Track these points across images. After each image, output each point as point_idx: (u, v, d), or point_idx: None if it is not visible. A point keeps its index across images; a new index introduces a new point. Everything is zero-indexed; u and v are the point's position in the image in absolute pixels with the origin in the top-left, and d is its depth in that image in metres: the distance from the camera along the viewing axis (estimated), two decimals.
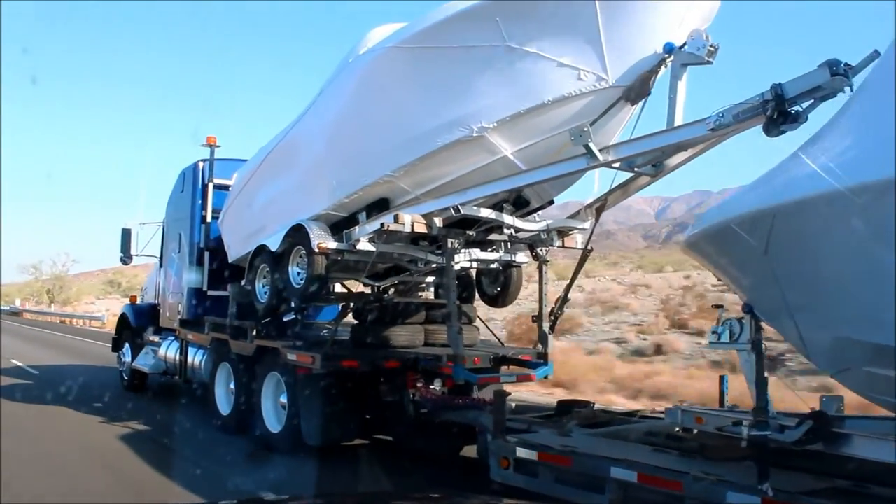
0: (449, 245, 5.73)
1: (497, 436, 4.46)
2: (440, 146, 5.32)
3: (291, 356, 6.21)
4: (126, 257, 10.49)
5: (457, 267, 6.88)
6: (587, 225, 6.28)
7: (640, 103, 5.20)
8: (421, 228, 5.55)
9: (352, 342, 6.70)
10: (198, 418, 7.90)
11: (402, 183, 5.75)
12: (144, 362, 10.03)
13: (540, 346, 6.31)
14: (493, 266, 7.24)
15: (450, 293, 5.73)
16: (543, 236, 6.22)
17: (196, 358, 8.56)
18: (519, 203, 5.92)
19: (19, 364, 13.33)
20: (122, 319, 10.99)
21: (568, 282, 6.39)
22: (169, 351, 9.32)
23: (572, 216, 6.34)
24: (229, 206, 7.89)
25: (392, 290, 7.81)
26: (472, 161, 5.40)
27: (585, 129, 4.79)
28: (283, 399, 6.59)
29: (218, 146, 8.84)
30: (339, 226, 6.30)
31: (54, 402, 9.00)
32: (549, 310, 6.55)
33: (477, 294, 7.69)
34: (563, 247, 6.50)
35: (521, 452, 4.23)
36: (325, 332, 8.36)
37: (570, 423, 5.13)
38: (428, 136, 5.36)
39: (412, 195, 5.83)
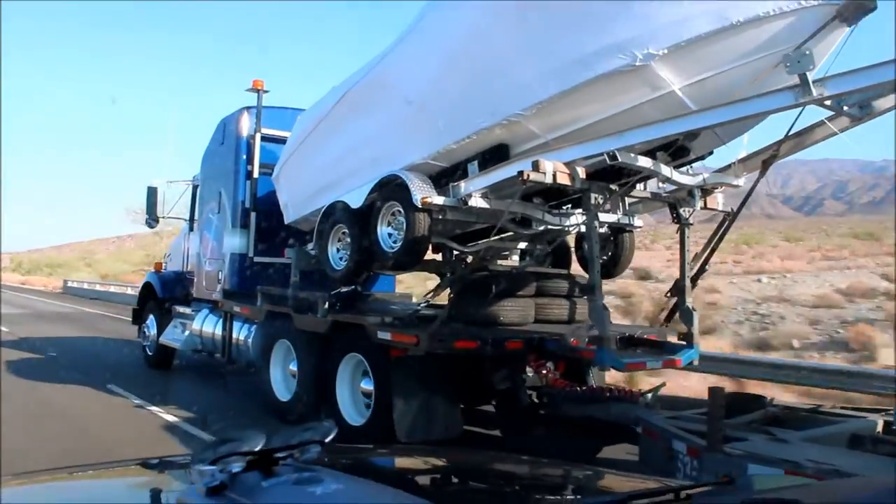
0: (592, 201, 4.64)
1: (715, 447, 3.42)
2: (589, 79, 4.22)
3: (384, 335, 5.13)
4: (152, 219, 9.31)
5: (572, 229, 5.89)
6: (741, 182, 5.21)
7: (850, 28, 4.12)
8: (564, 180, 4.45)
9: (450, 318, 5.61)
10: (248, 404, 6.82)
11: (530, 125, 4.65)
12: (174, 337, 8.92)
13: (682, 326, 5.26)
14: (602, 230, 6.19)
15: (593, 261, 4.67)
16: (698, 193, 5.15)
17: (241, 334, 7.46)
18: (677, 153, 4.82)
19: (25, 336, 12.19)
20: (147, 289, 9.85)
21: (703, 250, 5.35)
22: (206, 325, 8.20)
23: (720, 170, 5.26)
24: (287, 159, 6.73)
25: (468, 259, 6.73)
26: (626, 98, 4.30)
27: (807, 52, 3.72)
28: (367, 386, 5.52)
29: (266, 91, 7.66)
30: (435, 179, 5.21)
31: (73, 379, 7.91)
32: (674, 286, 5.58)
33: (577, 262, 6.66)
34: (704, 207, 5.43)
35: (755, 469, 3.19)
36: (395, 305, 7.29)
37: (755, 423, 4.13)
38: (574, 67, 4.27)
39: (539, 140, 4.73)
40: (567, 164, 4.49)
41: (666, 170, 4.70)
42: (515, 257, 7.18)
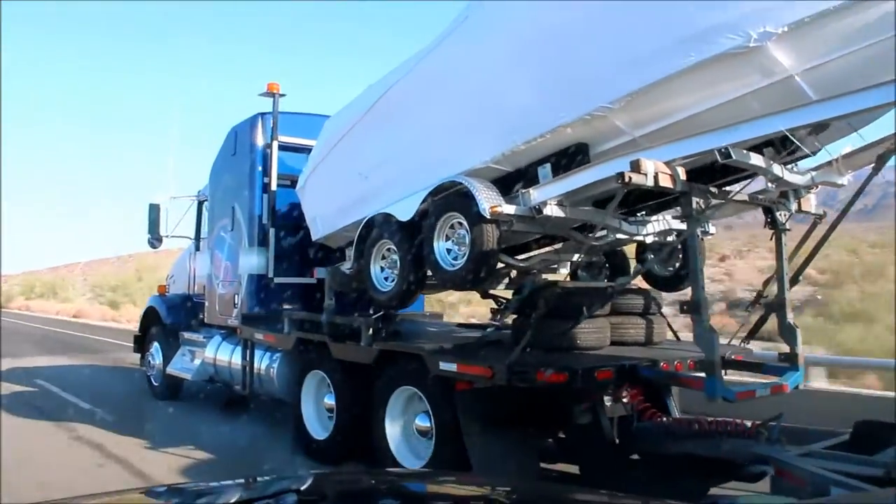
0: (694, 205, 4.01)
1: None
2: (692, 65, 3.60)
3: (447, 366, 4.44)
4: (155, 239, 8.57)
5: (648, 238, 5.27)
6: (845, 181, 4.61)
7: None
8: (666, 182, 3.81)
9: (516, 343, 4.94)
10: (275, 444, 6.09)
11: (617, 120, 4.01)
12: (182, 366, 8.16)
13: (785, 346, 4.64)
14: (669, 238, 5.58)
15: (697, 273, 4.04)
16: (803, 194, 4.54)
17: (263, 363, 6.73)
18: (782, 149, 4.20)
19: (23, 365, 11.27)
20: (150, 314, 9.07)
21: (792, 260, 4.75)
22: (220, 353, 7.45)
23: (818, 168, 4.66)
24: (315, 169, 6.03)
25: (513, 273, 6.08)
26: (732, 87, 3.68)
27: None
28: (423, 423, 4.83)
29: (282, 95, 6.97)
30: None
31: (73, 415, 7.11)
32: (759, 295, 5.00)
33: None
34: (799, 210, 4.83)
35: None
36: (433, 327, 6.63)
37: None
38: (673, 51, 3.64)
39: (625, 137, 4.10)
40: (667, 164, 3.87)
41: (777, 168, 4.08)
42: (563, 270, 6.56)
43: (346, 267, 5.76)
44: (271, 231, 6.84)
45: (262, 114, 7.08)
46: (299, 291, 6.99)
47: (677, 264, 5.71)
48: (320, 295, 6.85)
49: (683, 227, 5.12)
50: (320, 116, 7.44)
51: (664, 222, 5.13)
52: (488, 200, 4.30)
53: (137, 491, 1.90)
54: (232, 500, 1.49)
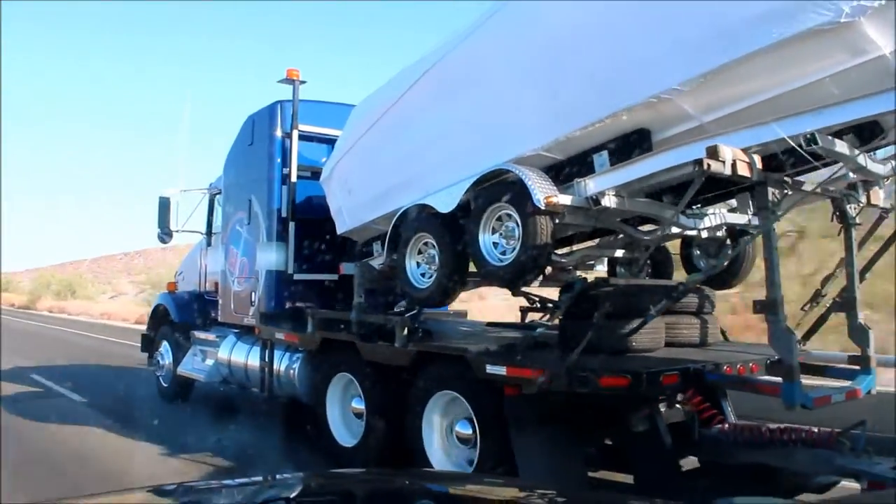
0: (770, 197, 3.68)
1: None
2: (772, 43, 3.27)
3: (496, 369, 4.11)
4: (165, 233, 8.20)
5: (703, 233, 4.95)
6: None
7: None
8: (743, 170, 3.49)
9: (565, 345, 4.61)
10: (297, 449, 5.75)
11: (685, 103, 3.68)
12: (194, 367, 7.81)
13: (858, 348, 4.32)
14: (718, 234, 5.27)
15: (774, 270, 3.70)
16: (882, 184, 4.22)
17: (283, 364, 6.38)
18: (864, 136, 3.88)
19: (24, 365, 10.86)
20: (159, 312, 8.72)
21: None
22: (235, 354, 7.10)
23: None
24: (342, 158, 5.69)
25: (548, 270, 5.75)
26: (816, 67, 3.33)
27: None
28: (464, 430, 4.50)
29: (303, 82, 6.62)
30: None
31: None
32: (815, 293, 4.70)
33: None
34: (868, 204, 4.51)
35: None
36: (465, 327, 6.30)
37: None
38: (755, 27, 3.30)
39: (691, 123, 3.77)
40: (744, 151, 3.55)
41: (861, 157, 3.76)
42: (600, 267, 6.24)
43: (378, 262, 5.42)
44: (291, 225, 6.50)
45: (281, 101, 6.73)
46: (320, 289, 6.64)
47: (725, 261, 5.40)
48: (343, 292, 6.55)
49: (738, 220, 4.84)
50: (342, 105, 7.12)
51: (720, 216, 4.81)
52: (543, 190, 3.96)
53: (134, 490, 1.92)
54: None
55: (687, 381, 4.01)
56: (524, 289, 6.37)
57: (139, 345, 9.16)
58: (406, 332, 4.81)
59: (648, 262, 5.91)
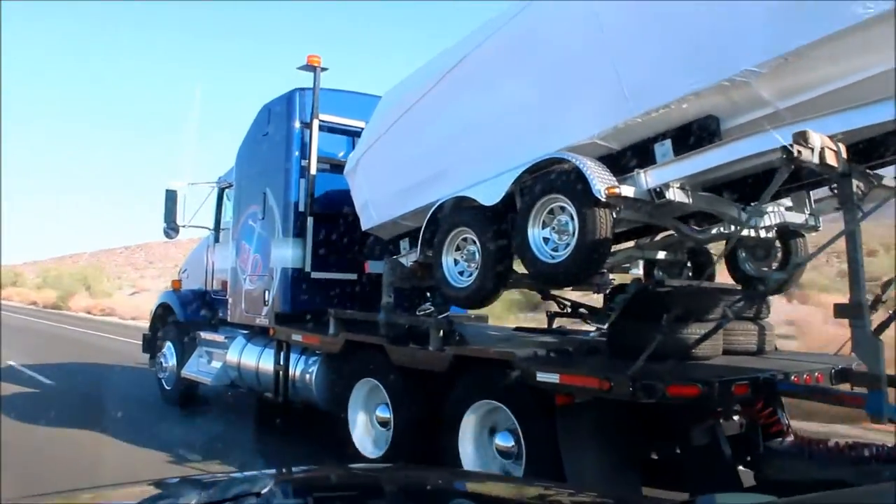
0: (855, 190, 3.35)
1: None
2: (871, 17, 2.94)
3: (547, 376, 3.74)
4: (171, 228, 7.81)
5: (763, 233, 4.61)
6: None
7: None
8: (831, 160, 3.15)
9: (619, 351, 4.26)
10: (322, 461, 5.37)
11: (762, 88, 3.34)
12: (199, 369, 7.42)
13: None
14: (767, 234, 4.94)
15: (858, 271, 3.35)
16: None
17: (298, 368, 6.01)
18: None
19: (14, 364, 10.40)
20: (162, 311, 8.32)
21: None
22: (245, 356, 6.72)
23: None
24: (369, 149, 5.33)
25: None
26: None
27: None
28: (505, 442, 4.14)
29: (324, 69, 6.26)
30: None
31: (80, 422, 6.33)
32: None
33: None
34: None
35: None
36: (495, 331, 5.93)
37: None
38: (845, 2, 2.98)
39: (765, 110, 3.42)
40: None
41: None
42: (635, 270, 5.89)
43: (410, 259, 5.06)
44: (309, 220, 6.13)
45: (301, 89, 6.37)
46: (339, 288, 6.26)
47: (774, 264, 5.08)
48: (363, 292, 6.20)
49: (796, 219, 4.52)
50: (361, 95, 6.80)
51: (779, 214, 4.47)
52: (603, 181, 3.62)
53: (135, 483, 1.85)
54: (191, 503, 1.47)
55: (757, 392, 3.66)
56: (554, 292, 6.07)
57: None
58: (442, 334, 4.45)
59: (688, 264, 5.60)
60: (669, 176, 3.65)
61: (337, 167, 6.42)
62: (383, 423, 5.02)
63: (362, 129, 6.52)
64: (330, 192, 6.35)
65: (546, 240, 3.93)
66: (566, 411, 3.81)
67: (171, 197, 7.73)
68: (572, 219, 3.79)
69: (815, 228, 4.72)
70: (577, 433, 3.81)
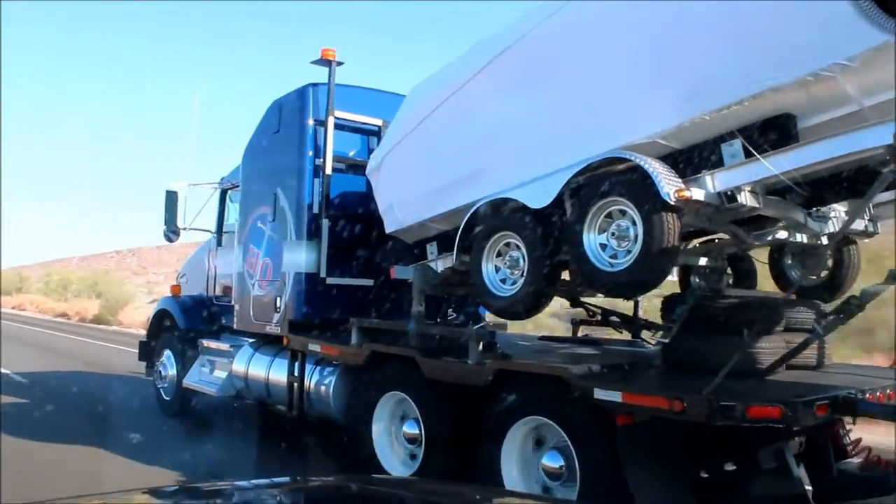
0: None
1: None
2: None
3: (608, 395, 3.44)
4: (171, 231, 7.41)
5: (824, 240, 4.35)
6: None
7: None
8: None
9: (671, 364, 3.97)
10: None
11: (847, 84, 3.06)
12: (202, 379, 7.04)
13: None
14: (818, 242, 4.68)
15: None
16: None
17: (313, 380, 5.66)
18: None
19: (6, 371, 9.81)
20: (161, 318, 7.91)
21: None
22: (253, 366, 6.36)
23: None
24: (395, 147, 5.00)
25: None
26: None
27: None
28: (552, 463, 3.83)
29: (340, 63, 5.92)
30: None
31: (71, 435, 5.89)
32: None
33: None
34: None
35: None
36: (525, 342, 5.63)
37: None
38: None
39: (848, 108, 3.16)
40: None
41: None
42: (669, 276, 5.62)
43: (441, 264, 4.73)
44: (325, 222, 5.78)
45: (314, 84, 6.02)
46: (356, 294, 5.93)
47: (824, 272, 4.84)
48: (380, 298, 5.88)
49: (859, 226, 4.27)
50: (379, 91, 6.47)
51: (839, 220, 4.22)
52: (671, 183, 3.33)
53: (140, 491, 1.81)
54: None
55: (836, 411, 3.39)
56: (582, 298, 5.78)
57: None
58: (481, 346, 4.13)
59: (729, 271, 5.34)
60: (742, 178, 3.38)
61: (353, 167, 6.10)
62: (411, 440, 4.70)
63: (378, 127, 6.23)
64: (345, 193, 6.02)
65: (603, 246, 3.64)
66: (627, 431, 3.52)
67: (171, 198, 7.33)
68: (634, 224, 3.50)
69: (872, 234, 4.48)
70: (639, 454, 3.52)
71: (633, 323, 5.62)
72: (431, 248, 5.03)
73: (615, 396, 3.42)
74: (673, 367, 3.91)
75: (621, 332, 5.72)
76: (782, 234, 4.22)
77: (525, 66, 3.93)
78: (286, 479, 2.29)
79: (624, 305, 5.81)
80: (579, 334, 5.97)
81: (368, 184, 6.23)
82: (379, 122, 6.20)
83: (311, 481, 2.19)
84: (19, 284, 35.36)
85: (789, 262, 5.02)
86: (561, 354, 4.71)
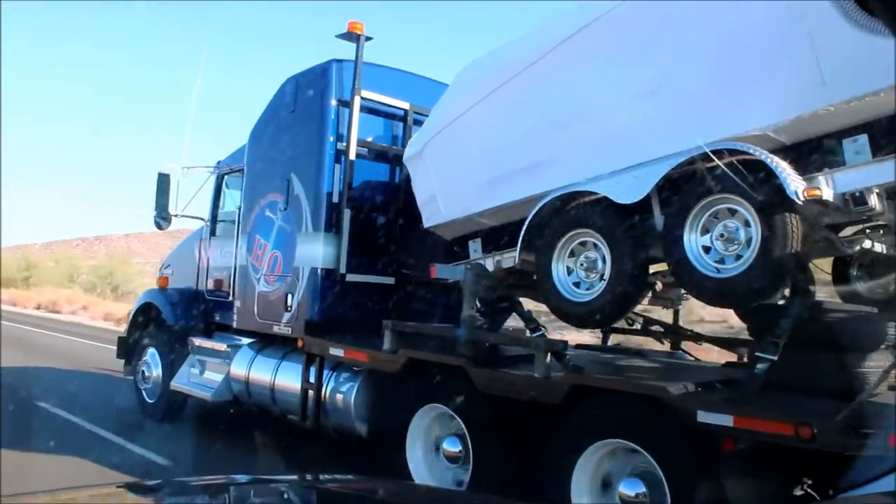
0: None
1: None
2: None
3: (716, 417, 3.02)
4: (162, 217, 6.73)
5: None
6: None
7: None
8: None
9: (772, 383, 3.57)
10: None
11: None
12: (193, 382, 6.40)
13: None
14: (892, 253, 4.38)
15: None
16: None
17: (329, 386, 5.11)
18: None
19: None
20: (145, 312, 7.20)
21: None
22: (255, 369, 5.76)
23: None
24: (442, 131, 4.49)
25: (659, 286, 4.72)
26: None
27: None
28: (630, 489, 3.39)
29: (368, 38, 5.38)
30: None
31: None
32: None
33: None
34: None
35: None
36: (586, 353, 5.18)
37: None
38: None
39: None
40: None
41: None
42: None
43: (499, 264, 4.24)
44: (346, 213, 5.23)
45: (338, 60, 5.47)
46: (378, 293, 5.41)
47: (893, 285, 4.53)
48: (404, 298, 5.38)
49: None
50: (406, 73, 5.96)
51: None
52: (796, 181, 2.93)
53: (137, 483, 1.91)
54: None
55: None
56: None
57: None
58: (549, 357, 3.66)
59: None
60: (872, 179, 2.99)
61: (376, 154, 5.58)
62: (453, 459, 4.21)
63: (405, 110, 5.72)
64: (368, 182, 5.50)
65: (707, 249, 3.21)
66: (733, 457, 3.11)
67: (163, 182, 6.67)
68: (748, 225, 3.09)
69: None
70: (744, 481, 3.11)
71: (675, 333, 5.25)
72: (475, 246, 4.54)
73: (725, 420, 3.00)
74: (773, 387, 3.51)
75: (662, 343, 5.33)
76: (867, 243, 3.91)
77: (619, 40, 3.48)
78: (294, 476, 2.19)
79: (660, 313, 5.45)
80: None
81: (392, 172, 5.74)
82: (406, 105, 5.68)
83: (324, 480, 2.10)
84: (27, 271, 29.68)
85: (856, 272, 4.71)
86: (622, 367, 4.29)
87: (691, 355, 5.35)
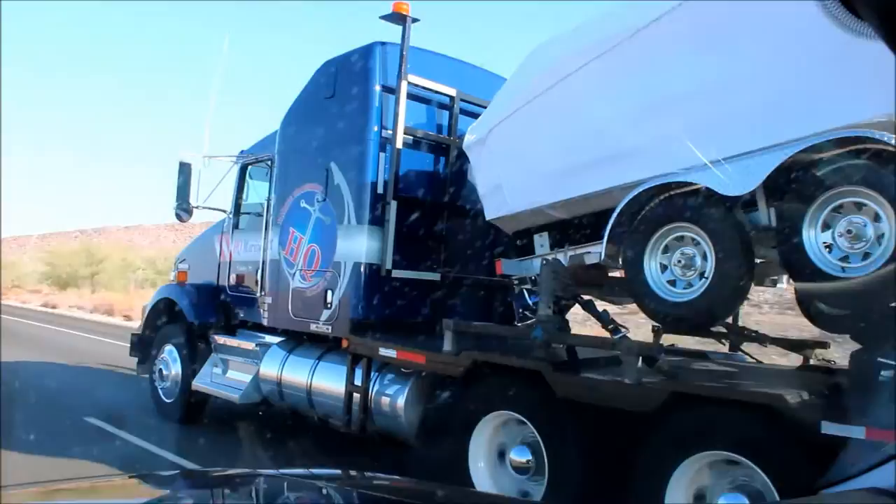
0: None
1: None
2: None
3: (843, 430, 2.76)
4: (183, 209, 6.37)
5: None
6: None
7: None
8: None
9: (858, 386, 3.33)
10: None
11: None
12: (215, 382, 6.09)
13: None
14: None
15: None
16: None
17: (375, 389, 4.80)
18: None
19: None
20: (163, 308, 6.83)
21: None
22: (288, 370, 5.44)
23: None
24: (507, 118, 4.19)
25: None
26: None
27: None
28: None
29: (416, 20, 5.06)
30: None
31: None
32: None
33: None
34: None
35: None
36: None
37: None
38: None
39: None
40: None
41: None
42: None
43: (573, 260, 3.95)
44: (392, 204, 4.91)
45: (382, 43, 5.15)
46: (423, 291, 5.12)
47: None
48: (452, 296, 5.09)
49: None
50: (451, 59, 5.66)
51: None
52: None
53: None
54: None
55: None
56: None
57: None
58: (641, 362, 3.39)
59: None
60: None
61: (423, 142, 5.28)
62: (521, 470, 3.92)
63: (451, 97, 5.42)
64: (415, 172, 5.19)
65: (828, 246, 2.95)
66: None
67: (184, 170, 6.30)
68: (877, 220, 2.83)
69: None
70: None
71: (738, 333, 5.00)
72: (541, 240, 4.26)
73: (856, 433, 2.74)
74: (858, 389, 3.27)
75: (723, 343, 5.08)
76: None
77: (716, 24, 3.20)
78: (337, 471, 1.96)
79: None
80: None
81: (436, 161, 5.44)
82: (452, 91, 5.38)
83: (369, 477, 2.00)
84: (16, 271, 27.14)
85: None
86: (705, 371, 4.03)
87: (752, 357, 5.11)
